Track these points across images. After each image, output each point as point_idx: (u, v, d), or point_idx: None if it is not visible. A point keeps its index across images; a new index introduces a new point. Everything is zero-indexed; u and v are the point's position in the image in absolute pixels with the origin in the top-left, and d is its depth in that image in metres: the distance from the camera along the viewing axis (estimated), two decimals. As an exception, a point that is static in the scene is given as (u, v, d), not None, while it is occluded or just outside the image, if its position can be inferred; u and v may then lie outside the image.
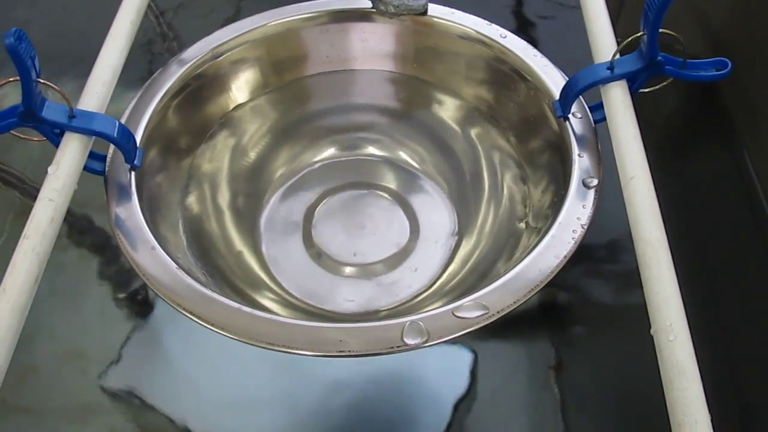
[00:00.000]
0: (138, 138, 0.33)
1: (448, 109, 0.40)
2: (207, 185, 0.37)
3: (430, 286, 0.35)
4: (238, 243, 0.36)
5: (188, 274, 0.28)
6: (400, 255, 0.37)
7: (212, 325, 0.26)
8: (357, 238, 0.37)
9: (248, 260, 0.36)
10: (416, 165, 0.41)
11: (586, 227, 0.29)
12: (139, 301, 0.33)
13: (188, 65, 0.36)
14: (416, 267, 0.36)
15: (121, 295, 0.33)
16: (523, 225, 0.34)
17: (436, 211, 0.38)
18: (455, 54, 0.39)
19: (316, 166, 0.41)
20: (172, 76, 0.35)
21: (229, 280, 0.33)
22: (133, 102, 0.34)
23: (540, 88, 0.35)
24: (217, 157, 0.38)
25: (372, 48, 0.40)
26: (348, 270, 0.36)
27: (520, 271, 0.27)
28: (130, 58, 0.34)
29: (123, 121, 0.33)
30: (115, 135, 0.30)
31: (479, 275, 0.33)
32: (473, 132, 0.39)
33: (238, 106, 0.39)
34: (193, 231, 0.34)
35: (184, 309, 0.27)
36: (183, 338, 0.32)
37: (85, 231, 0.36)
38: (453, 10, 0.38)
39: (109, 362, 0.31)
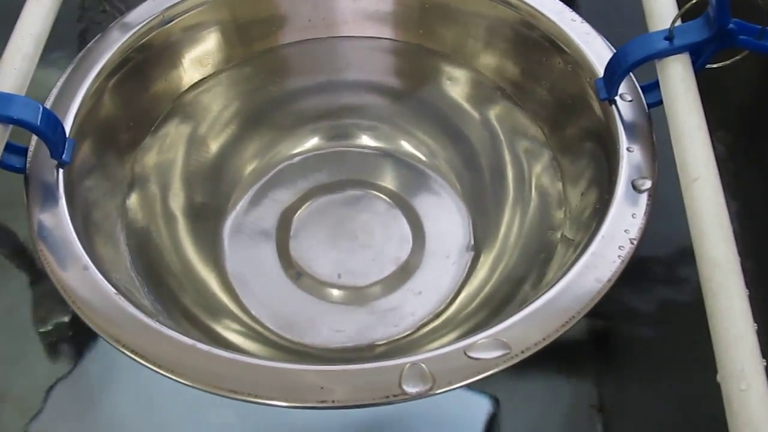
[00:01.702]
0: (67, 127, 0.33)
1: (462, 88, 0.40)
2: (156, 186, 0.37)
3: (438, 315, 0.35)
4: (196, 259, 0.37)
5: (130, 300, 0.28)
6: (401, 274, 0.37)
7: (159, 366, 0.26)
8: (346, 252, 0.37)
9: (208, 281, 0.36)
10: (422, 158, 0.41)
11: (636, 242, 0.29)
12: (69, 335, 0.33)
13: (131, 33, 0.36)
14: (420, 290, 0.36)
15: (46, 327, 0.33)
16: (557, 236, 0.34)
17: (446, 217, 0.39)
18: (472, 16, 0.39)
19: (296, 160, 0.41)
20: (111, 47, 0.35)
21: (183, 308, 0.33)
22: (61, 81, 0.34)
23: (579, 63, 0.35)
24: (168, 150, 0.38)
25: (365, 8, 0.40)
26: (335, 293, 0.37)
27: (552, 297, 0.27)
28: (58, 25, 0.34)
29: (48, 105, 0.33)
30: (38, 123, 0.30)
31: (500, 302, 0.33)
32: (494, 116, 0.39)
33: (195, 85, 0.39)
34: (137, 244, 0.34)
35: (124, 345, 0.27)
36: (123, 380, 0.32)
37: (1, 244, 0.36)
38: None
39: (32, 409, 0.31)
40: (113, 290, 0.28)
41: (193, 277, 0.36)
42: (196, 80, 0.39)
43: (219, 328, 0.34)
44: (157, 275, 0.34)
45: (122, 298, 0.28)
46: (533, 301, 0.27)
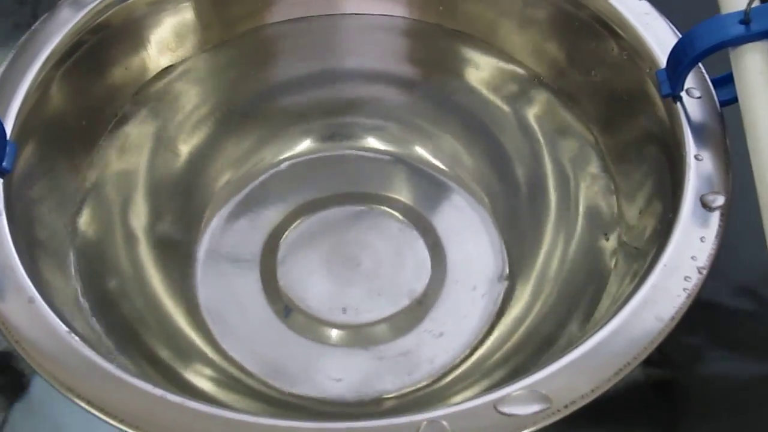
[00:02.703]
0: (8, 127, 0.33)
1: (491, 78, 0.41)
2: (113, 199, 0.38)
3: (463, 361, 0.36)
4: (161, 290, 0.38)
5: (84, 339, 0.29)
6: (416, 310, 0.38)
7: (121, 420, 0.27)
8: (348, 282, 0.39)
9: (176, 317, 0.37)
10: (441, 166, 0.42)
11: (705, 272, 0.29)
12: (10, 381, 0.34)
13: (85, 11, 0.37)
14: (441, 330, 0.37)
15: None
16: (609, 264, 0.35)
17: (472, 239, 0.40)
18: (505, -11, 0.40)
19: (284, 167, 0.42)
20: (61, 28, 0.36)
21: (146, 349, 0.34)
22: (0, 70, 0.35)
23: (637, 49, 0.36)
24: (129, 155, 0.39)
25: (372, -22, 0.41)
26: (333, 333, 0.38)
27: (603, 340, 0.28)
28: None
29: (-18, 101, 0.34)
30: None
31: (539, 345, 0.34)
32: (532, 114, 0.40)
33: (163, 74, 0.40)
34: (90, 270, 0.35)
35: (78, 396, 0.27)
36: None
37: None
38: None
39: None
40: (64, 328, 0.29)
41: (158, 311, 0.37)
42: (163, 68, 0.40)
43: (189, 374, 0.35)
44: (114, 308, 0.35)
45: (75, 337, 0.28)
46: (580, 344, 0.28)
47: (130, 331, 0.35)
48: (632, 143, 0.37)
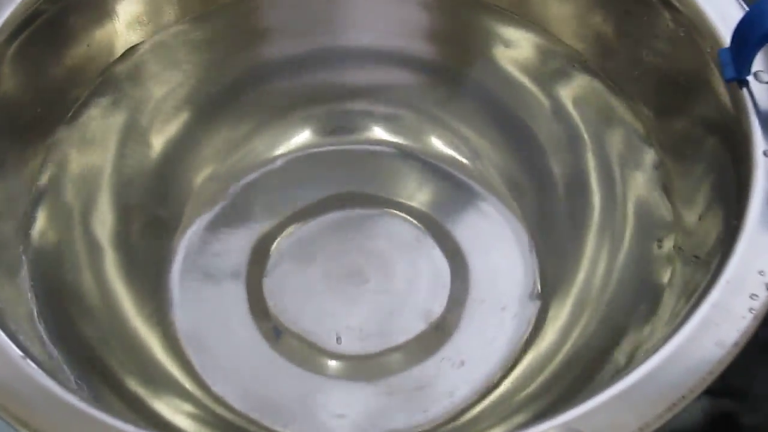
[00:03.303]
0: None
1: (523, 58, 0.42)
2: (74, 201, 0.39)
3: (488, 395, 0.37)
4: (130, 309, 0.38)
5: (41, 366, 0.29)
6: (434, 334, 0.38)
7: None
8: (352, 301, 0.39)
9: (148, 341, 0.38)
10: (463, 162, 0.43)
11: None
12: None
13: None
14: (462, 358, 0.38)
15: None
16: (663, 279, 0.35)
17: (500, 250, 0.40)
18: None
19: (277, 164, 0.43)
20: None
21: (113, 379, 0.35)
22: None
23: (696, 24, 0.36)
24: (92, 149, 0.40)
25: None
26: (334, 363, 0.38)
27: (654, 369, 0.28)
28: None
29: None
30: None
31: (579, 375, 0.35)
32: (571, 100, 0.41)
33: (132, 52, 0.41)
34: (48, 288, 0.36)
35: (33, 431, 0.28)
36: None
37: None
38: None
39: None
40: (19, 353, 0.29)
41: (128, 334, 0.37)
42: (133, 45, 0.41)
43: (163, 409, 0.35)
44: (76, 331, 0.35)
45: (32, 364, 0.29)
46: (626, 375, 0.28)
47: (94, 358, 0.35)
48: (689, 135, 0.37)
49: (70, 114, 0.39)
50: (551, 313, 0.38)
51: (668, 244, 0.36)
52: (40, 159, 0.38)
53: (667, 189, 0.37)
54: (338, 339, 0.38)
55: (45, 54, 0.38)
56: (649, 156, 0.38)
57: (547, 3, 0.41)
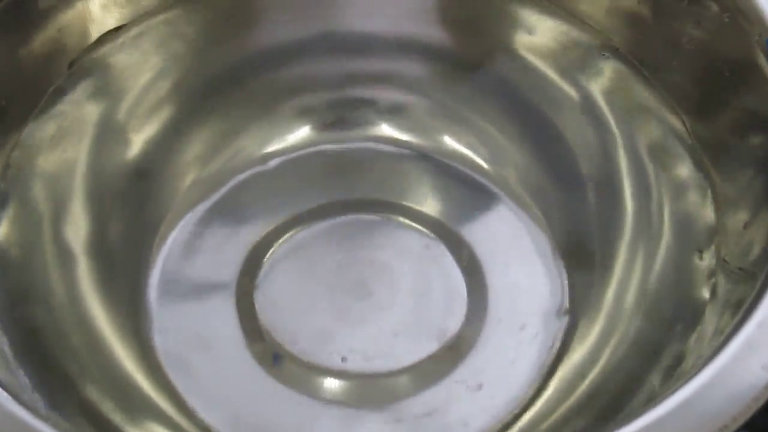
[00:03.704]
0: None
1: (549, 46, 0.42)
2: (43, 206, 0.39)
3: (509, 425, 0.37)
4: (105, 325, 0.38)
5: (7, 390, 0.29)
6: (448, 355, 0.39)
7: None
8: (355, 318, 0.39)
9: (124, 362, 0.38)
10: (480, 163, 0.43)
11: None
12: None
13: None
14: (480, 381, 0.38)
15: None
16: (705, 292, 0.35)
17: (521, 262, 0.41)
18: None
19: (271, 164, 0.43)
20: None
21: (89, 406, 0.35)
22: None
23: (743, 8, 0.36)
24: (63, 146, 0.40)
25: None
26: (335, 386, 0.38)
27: (693, 395, 0.28)
28: None
29: None
30: None
31: (610, 401, 0.35)
32: (601, 94, 0.41)
33: (109, 38, 0.41)
34: (14, 302, 0.36)
35: None
36: None
37: None
38: None
39: None
40: None
41: (103, 355, 0.37)
42: (109, 29, 0.41)
43: None
44: (45, 351, 0.35)
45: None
46: (662, 401, 0.28)
47: (65, 381, 0.35)
48: (734, 132, 0.37)
49: (38, 108, 0.40)
50: (578, 332, 0.39)
51: (710, 255, 0.36)
52: (4, 157, 0.38)
53: (708, 193, 0.37)
54: (341, 360, 0.38)
55: (9, 40, 0.38)
56: (689, 156, 0.38)
57: (577, -9, 0.41)
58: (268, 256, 0.41)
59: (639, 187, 0.40)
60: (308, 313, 0.40)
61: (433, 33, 0.44)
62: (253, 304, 0.40)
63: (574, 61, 0.42)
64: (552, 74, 0.42)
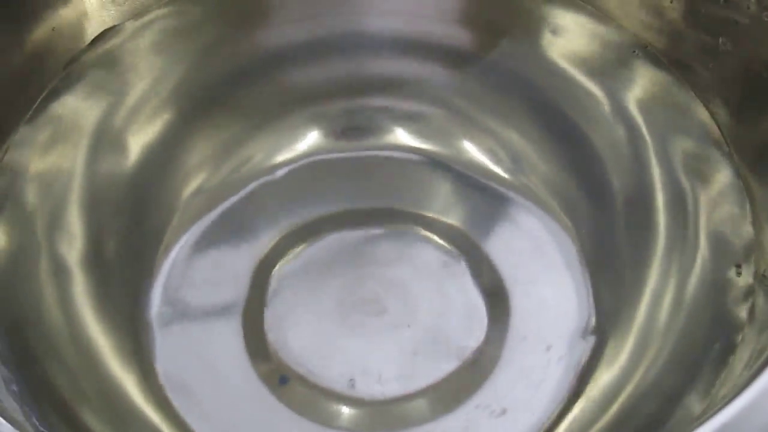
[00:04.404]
0: None
1: (576, 47, 0.41)
2: (36, 216, 0.38)
3: None
4: (104, 346, 0.37)
5: (4, 414, 0.28)
6: (467, 377, 0.38)
7: None
8: (369, 338, 0.38)
9: (125, 385, 0.37)
10: (502, 173, 0.42)
11: None
12: None
13: None
14: (503, 406, 0.37)
15: None
16: (743, 309, 0.35)
17: (546, 278, 0.40)
18: None
19: (279, 174, 0.42)
20: None
21: (85, 430, 0.34)
22: None
23: None
24: (57, 154, 0.39)
25: None
26: (348, 411, 0.37)
27: (732, 419, 0.27)
28: None
29: None
30: None
31: (641, 428, 0.34)
32: (634, 99, 0.40)
33: (106, 37, 0.41)
34: (6, 320, 0.35)
35: None
36: None
37: None
38: None
39: None
40: None
41: (100, 377, 0.37)
42: (107, 28, 0.40)
43: None
44: (39, 372, 0.35)
45: None
46: (699, 426, 0.27)
47: (60, 404, 0.35)
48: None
49: (31, 111, 0.39)
50: (608, 352, 0.38)
51: (748, 271, 0.36)
52: None
53: (746, 205, 0.37)
54: (352, 383, 0.38)
55: (1, 39, 0.38)
56: (726, 165, 0.38)
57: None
58: (275, 271, 0.40)
59: (673, 197, 0.39)
60: (317, 333, 0.39)
61: (453, 33, 0.43)
62: (259, 323, 0.39)
63: (603, 64, 0.41)
64: (580, 77, 0.41)
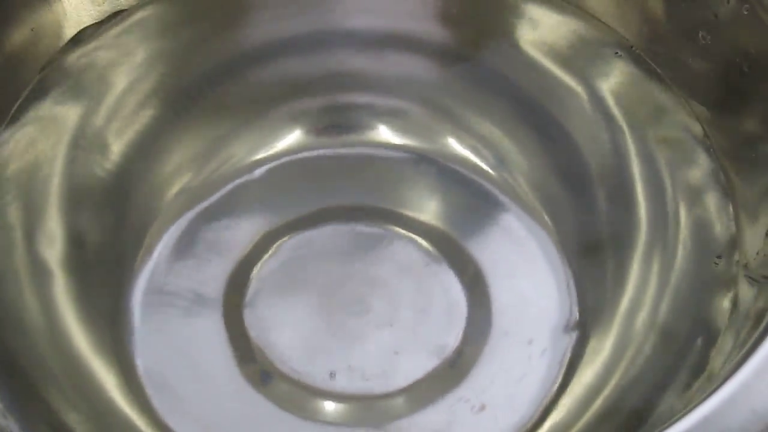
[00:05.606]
0: None
1: (555, 42, 0.42)
2: (15, 216, 0.38)
3: None
4: (84, 346, 0.38)
5: None
6: (448, 374, 0.38)
7: None
8: (352, 335, 0.39)
9: (105, 384, 0.37)
10: (484, 168, 0.42)
11: None
12: None
13: None
14: (483, 401, 0.37)
15: None
16: (724, 306, 0.35)
17: (528, 273, 0.40)
18: None
19: (258, 172, 0.42)
20: None
21: (66, 430, 0.35)
22: None
23: (763, 1, 0.35)
24: (37, 154, 0.39)
25: None
26: (329, 407, 0.38)
27: (713, 413, 0.27)
28: None
29: None
30: None
31: (623, 422, 0.34)
32: (611, 94, 0.41)
33: (85, 36, 0.41)
34: None
35: None
36: None
37: None
38: None
39: None
40: None
41: (81, 376, 0.37)
42: (86, 26, 0.40)
43: None
44: (17, 373, 0.35)
45: None
46: (680, 419, 0.27)
47: (40, 404, 0.35)
48: (755, 135, 0.36)
49: (10, 113, 0.39)
50: (590, 348, 0.38)
51: (729, 262, 0.36)
52: None
53: (727, 197, 0.37)
54: (334, 378, 0.38)
55: None
56: (706, 158, 0.38)
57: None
58: (257, 269, 0.41)
59: (654, 191, 0.39)
60: (299, 331, 0.39)
61: (434, 29, 0.44)
62: (241, 320, 0.40)
63: (583, 59, 0.42)
64: (560, 73, 0.42)
